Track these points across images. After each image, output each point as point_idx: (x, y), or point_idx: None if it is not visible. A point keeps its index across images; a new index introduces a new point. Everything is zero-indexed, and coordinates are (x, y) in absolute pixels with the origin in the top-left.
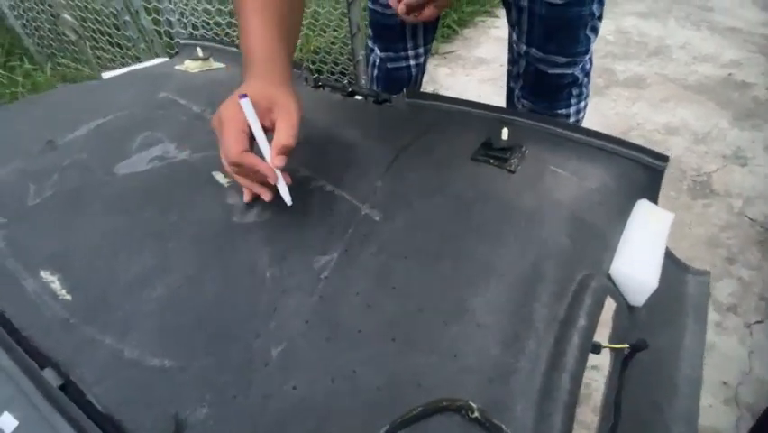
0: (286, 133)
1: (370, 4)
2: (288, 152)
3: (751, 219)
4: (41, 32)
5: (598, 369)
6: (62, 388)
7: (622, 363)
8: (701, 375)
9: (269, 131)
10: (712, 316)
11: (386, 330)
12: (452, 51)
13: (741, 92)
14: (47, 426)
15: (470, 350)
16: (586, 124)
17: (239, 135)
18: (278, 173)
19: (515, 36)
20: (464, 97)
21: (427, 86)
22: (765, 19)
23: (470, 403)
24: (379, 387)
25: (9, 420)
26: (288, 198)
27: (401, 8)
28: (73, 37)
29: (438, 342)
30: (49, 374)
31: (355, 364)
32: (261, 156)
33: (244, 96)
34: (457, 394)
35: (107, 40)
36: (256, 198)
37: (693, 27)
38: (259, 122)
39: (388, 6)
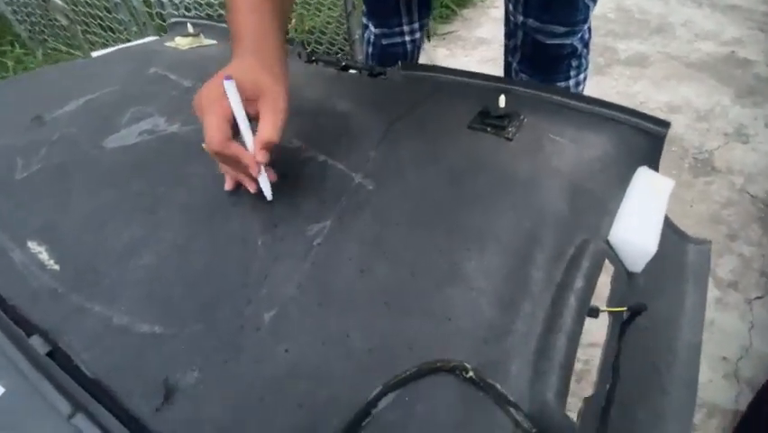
0: (271, 127)
1: None
2: (271, 148)
3: (752, 196)
4: (33, 18)
5: (599, 347)
6: (50, 355)
7: (621, 327)
8: (701, 341)
9: (253, 119)
10: (713, 292)
11: (379, 295)
12: (452, 32)
13: (743, 69)
14: (34, 392)
15: (464, 313)
16: None
17: (221, 124)
18: (261, 168)
19: (511, 7)
20: None
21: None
22: None
23: (465, 364)
24: (371, 350)
25: None
26: (269, 194)
27: None
28: (64, 22)
29: (432, 305)
30: (36, 342)
31: (348, 328)
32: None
33: (229, 77)
34: (451, 356)
35: (99, 23)
36: (238, 186)
37: (694, 4)
38: (243, 108)
39: None
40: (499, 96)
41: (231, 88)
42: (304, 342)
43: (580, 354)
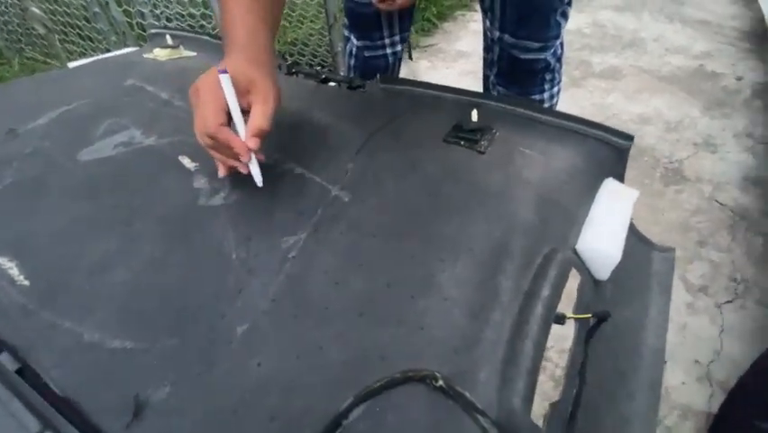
0: (262, 115)
1: None
2: (262, 135)
3: (721, 204)
4: (10, 27)
5: (567, 352)
6: (19, 372)
7: (587, 333)
8: (665, 345)
9: (244, 112)
10: (684, 297)
11: (353, 306)
12: (433, 45)
13: (712, 82)
14: (2, 409)
15: (437, 322)
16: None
17: (217, 110)
18: (252, 154)
19: (488, 23)
20: None
21: (407, 77)
22: (734, 12)
23: (435, 373)
24: (345, 362)
25: None
26: (259, 180)
27: None
28: (42, 31)
29: (405, 315)
30: (4, 358)
31: (322, 341)
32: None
33: (224, 71)
34: (423, 365)
35: (77, 33)
36: (228, 177)
37: (666, 20)
38: (236, 99)
39: None
40: (472, 110)
41: (226, 80)
42: (277, 355)
43: (557, 359)
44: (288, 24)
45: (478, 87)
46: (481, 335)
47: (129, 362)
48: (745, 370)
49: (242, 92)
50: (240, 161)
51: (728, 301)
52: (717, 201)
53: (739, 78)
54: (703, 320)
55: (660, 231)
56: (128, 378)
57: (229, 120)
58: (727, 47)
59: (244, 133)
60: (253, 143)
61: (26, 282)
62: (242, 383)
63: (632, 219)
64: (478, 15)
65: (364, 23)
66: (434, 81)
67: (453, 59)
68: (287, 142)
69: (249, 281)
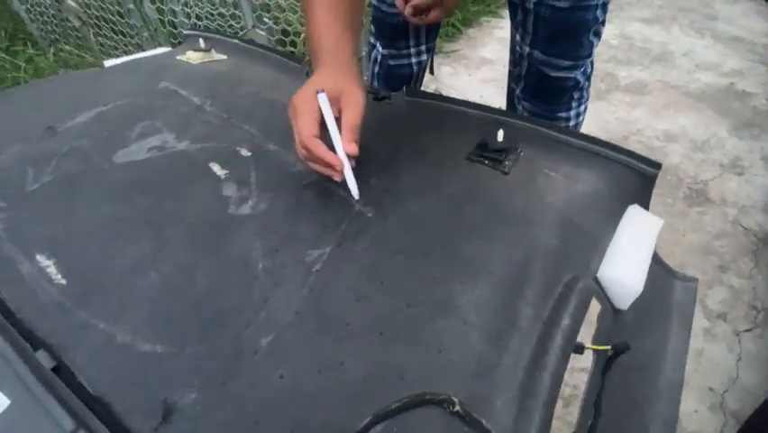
0: (352, 114)
1: (374, 2)
2: (356, 136)
3: (745, 228)
4: (45, 17)
5: (587, 371)
6: (55, 370)
7: (604, 364)
8: (683, 379)
9: (336, 119)
10: (702, 322)
11: (374, 324)
12: (456, 51)
13: (741, 101)
14: (38, 406)
15: (455, 345)
16: (586, 127)
17: (311, 121)
18: (347, 162)
19: (518, 37)
20: (466, 97)
21: (430, 84)
22: None
23: (452, 397)
24: (364, 379)
25: (1, 399)
26: (355, 190)
27: (408, 10)
28: (77, 23)
29: (424, 336)
30: (42, 356)
31: (342, 356)
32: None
33: (321, 90)
34: (440, 388)
35: (111, 27)
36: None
37: (697, 35)
38: (333, 116)
39: (392, 6)
40: (498, 129)
41: (323, 100)
42: (299, 368)
43: (569, 378)
44: None
45: (500, 94)
46: (499, 361)
47: (158, 365)
48: (760, 400)
49: (332, 101)
50: (335, 171)
51: (747, 330)
52: (741, 225)
53: None
54: (720, 347)
55: (681, 253)
56: (157, 381)
57: (323, 133)
58: (759, 65)
59: (340, 145)
60: (352, 148)
61: (63, 281)
62: (264, 394)
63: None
64: (504, 22)
65: (391, 32)
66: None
67: (477, 65)
68: None
69: (274, 292)
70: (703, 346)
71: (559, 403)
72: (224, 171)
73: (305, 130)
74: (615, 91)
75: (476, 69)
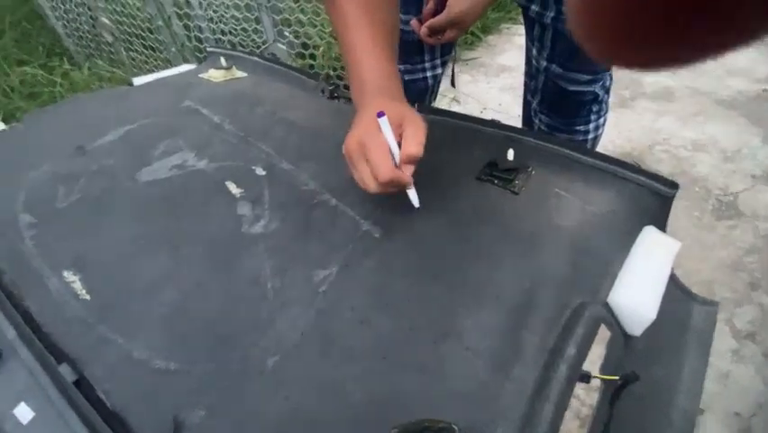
0: (414, 142)
1: None
2: (414, 162)
3: None
4: (81, 33)
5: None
6: (76, 383)
7: (613, 393)
8: (697, 409)
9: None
10: (729, 343)
11: (377, 347)
12: (475, 58)
13: None
14: (60, 420)
15: (457, 372)
16: (607, 137)
17: (387, 156)
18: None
19: (534, 51)
20: (485, 105)
21: (448, 93)
22: None
23: (452, 425)
24: (366, 403)
25: (26, 411)
26: (416, 202)
27: (423, 31)
28: (109, 39)
29: (427, 362)
30: (65, 370)
31: (345, 380)
32: None
33: (382, 113)
34: (441, 415)
35: (141, 42)
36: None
37: None
38: (395, 139)
39: (408, 23)
40: (508, 149)
41: (385, 123)
42: (303, 390)
43: (587, 398)
44: (333, 40)
45: (519, 103)
46: (501, 390)
47: (171, 382)
48: None
49: (395, 128)
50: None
51: None
52: None
53: None
54: (748, 369)
55: (708, 269)
56: (169, 398)
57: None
58: None
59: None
60: (408, 171)
61: (87, 297)
62: (269, 415)
63: (673, 266)
64: (523, 29)
65: (406, 48)
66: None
67: (495, 73)
68: (324, 170)
69: (281, 313)
70: (730, 369)
71: (576, 423)
72: (240, 190)
73: (384, 165)
74: (640, 98)
75: (495, 77)
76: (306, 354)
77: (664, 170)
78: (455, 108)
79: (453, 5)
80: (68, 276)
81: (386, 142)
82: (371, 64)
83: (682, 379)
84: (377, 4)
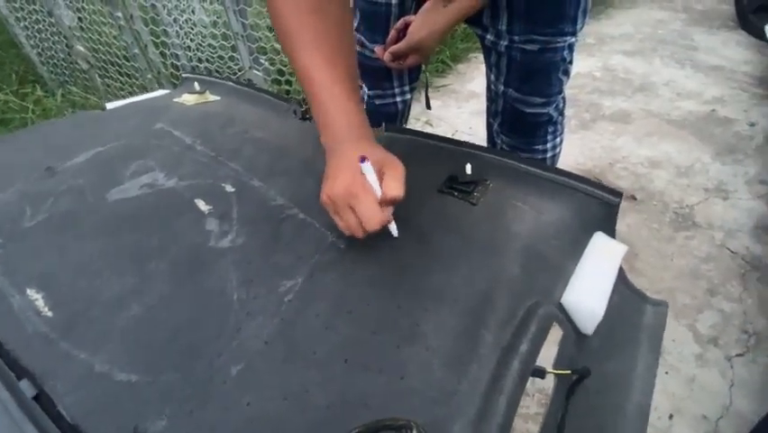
0: (397, 185)
1: (357, 48)
2: (395, 203)
3: (732, 252)
4: (55, 61)
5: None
6: (35, 398)
7: (567, 389)
8: (650, 402)
9: None
10: (693, 348)
11: (340, 352)
12: (446, 85)
13: (723, 127)
14: None
15: (417, 372)
16: (571, 156)
17: (377, 206)
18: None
19: (493, 77)
20: (456, 128)
21: (421, 116)
22: (747, 57)
23: (411, 423)
24: (328, 406)
25: None
26: (395, 232)
27: (386, 56)
28: (85, 66)
29: (388, 364)
30: (24, 385)
31: (308, 384)
32: None
33: (365, 158)
34: (401, 414)
35: (117, 70)
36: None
37: (678, 65)
38: (379, 183)
39: (374, 52)
40: (466, 164)
41: (370, 170)
42: (266, 396)
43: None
44: None
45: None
46: (458, 387)
47: (133, 394)
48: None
49: (376, 171)
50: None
51: (739, 354)
52: (728, 249)
53: (752, 125)
54: (713, 373)
55: (669, 278)
56: (130, 409)
57: None
58: (740, 92)
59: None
60: (388, 213)
61: (50, 313)
62: (231, 422)
63: (624, 271)
64: None
65: (375, 75)
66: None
67: (465, 99)
68: (293, 187)
69: (247, 322)
70: (695, 373)
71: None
72: (208, 207)
73: (376, 217)
74: (600, 120)
75: (465, 102)
76: (270, 360)
77: (624, 185)
78: (428, 130)
79: (413, 33)
80: (32, 294)
81: (373, 192)
82: (337, 105)
83: (636, 374)
84: (323, 19)
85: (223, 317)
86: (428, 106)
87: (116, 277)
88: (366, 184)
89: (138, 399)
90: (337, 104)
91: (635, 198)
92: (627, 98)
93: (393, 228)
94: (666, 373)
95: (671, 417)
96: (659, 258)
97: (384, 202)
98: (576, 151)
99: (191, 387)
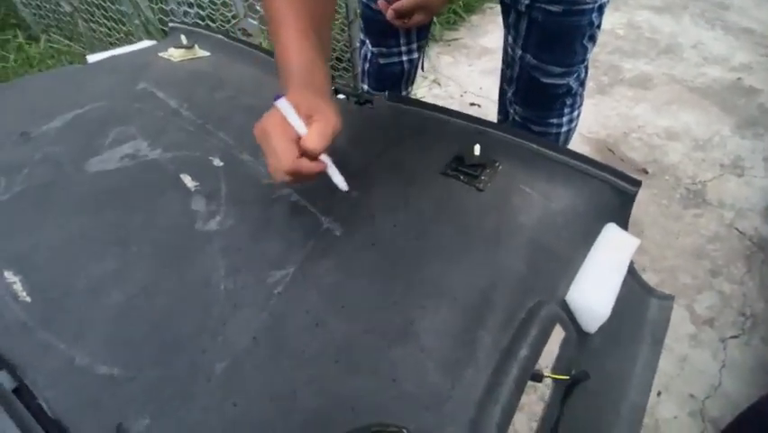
0: (315, 137)
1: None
2: (315, 156)
3: (740, 232)
4: (38, 2)
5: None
6: (15, 391)
7: (564, 391)
8: (646, 403)
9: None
10: (688, 328)
11: (330, 351)
12: (457, 39)
13: (747, 98)
14: None
15: (410, 375)
16: (585, 123)
17: (289, 144)
18: (329, 161)
19: (510, 39)
20: (465, 89)
21: (428, 74)
22: None
23: (402, 429)
24: (316, 409)
25: None
26: (342, 185)
27: (390, 14)
28: (68, 9)
29: (379, 365)
30: (3, 377)
31: (296, 385)
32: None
33: (279, 96)
34: (392, 418)
35: (102, 14)
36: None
37: (707, 26)
38: (300, 119)
39: (374, 2)
40: (475, 144)
41: (284, 105)
42: (252, 396)
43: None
44: None
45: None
46: (452, 392)
47: (114, 389)
48: (740, 408)
49: (304, 119)
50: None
51: (734, 336)
52: (736, 229)
53: None
54: (705, 354)
55: (672, 256)
56: (112, 406)
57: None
58: None
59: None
60: (315, 144)
61: (28, 299)
62: (216, 423)
63: (633, 263)
64: None
65: (380, 30)
66: (454, 78)
67: (477, 55)
68: None
69: (233, 316)
70: (688, 352)
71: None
72: (195, 183)
73: (285, 155)
74: (618, 85)
75: (477, 59)
76: (256, 358)
77: (637, 157)
78: (435, 90)
79: None
80: (9, 276)
81: (289, 130)
82: (296, 55)
83: (635, 373)
84: None
85: (208, 310)
86: (422, 68)
87: (96, 260)
88: (283, 123)
89: (120, 395)
90: (296, 53)
91: (647, 172)
92: (650, 61)
93: (338, 180)
94: None
95: (659, 394)
96: (664, 235)
97: (302, 151)
98: (590, 118)
99: (174, 385)
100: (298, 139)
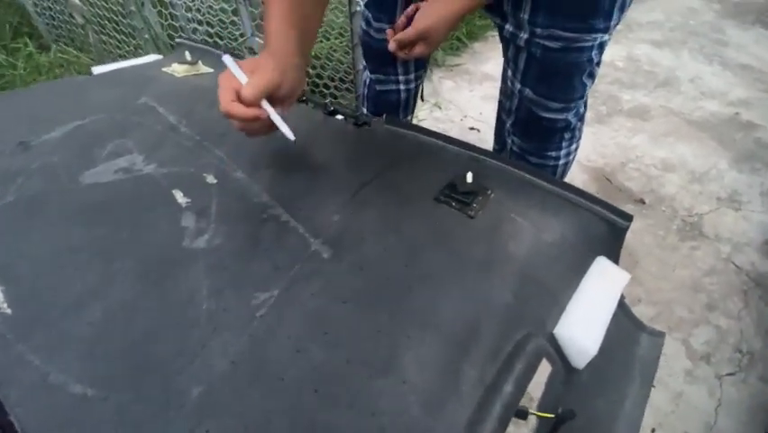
0: (246, 90)
1: (362, 25)
2: (250, 104)
3: (737, 267)
4: (52, 13)
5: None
6: None
7: (550, 430)
8: None
9: (277, 105)
10: (684, 363)
11: (310, 380)
12: (459, 65)
13: (745, 133)
14: None
15: (390, 409)
16: (584, 152)
17: (227, 91)
18: (270, 108)
19: (510, 72)
20: (465, 113)
21: (429, 98)
22: None
23: None
24: None
25: None
26: (289, 134)
27: (392, 45)
28: (80, 20)
29: (359, 397)
30: None
31: (272, 413)
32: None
33: (225, 53)
34: None
35: (113, 27)
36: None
37: (706, 61)
38: (242, 71)
39: (379, 31)
40: (468, 172)
41: (228, 60)
42: (227, 423)
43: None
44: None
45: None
46: (434, 428)
47: (87, 410)
48: None
49: (249, 73)
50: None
51: (730, 373)
52: (733, 263)
53: None
54: (701, 391)
55: (668, 289)
56: (84, 427)
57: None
58: (766, 96)
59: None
60: (234, 107)
61: (8, 311)
62: None
63: (624, 297)
64: None
65: (378, 57)
66: (455, 103)
67: (479, 81)
68: (279, 182)
69: (213, 338)
70: (683, 389)
71: None
72: (186, 200)
73: (222, 99)
74: (616, 115)
75: (478, 85)
76: (233, 383)
77: (634, 187)
78: (436, 114)
79: (419, 20)
80: None
81: (233, 81)
82: (275, 30)
83: (623, 412)
84: None
85: (187, 331)
86: (421, 98)
87: (80, 274)
88: (229, 76)
89: (92, 416)
90: (275, 29)
91: (644, 202)
92: (648, 93)
93: (285, 130)
94: (653, 386)
95: (653, 431)
96: (660, 267)
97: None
98: (588, 146)
99: (148, 408)
100: (238, 87)
